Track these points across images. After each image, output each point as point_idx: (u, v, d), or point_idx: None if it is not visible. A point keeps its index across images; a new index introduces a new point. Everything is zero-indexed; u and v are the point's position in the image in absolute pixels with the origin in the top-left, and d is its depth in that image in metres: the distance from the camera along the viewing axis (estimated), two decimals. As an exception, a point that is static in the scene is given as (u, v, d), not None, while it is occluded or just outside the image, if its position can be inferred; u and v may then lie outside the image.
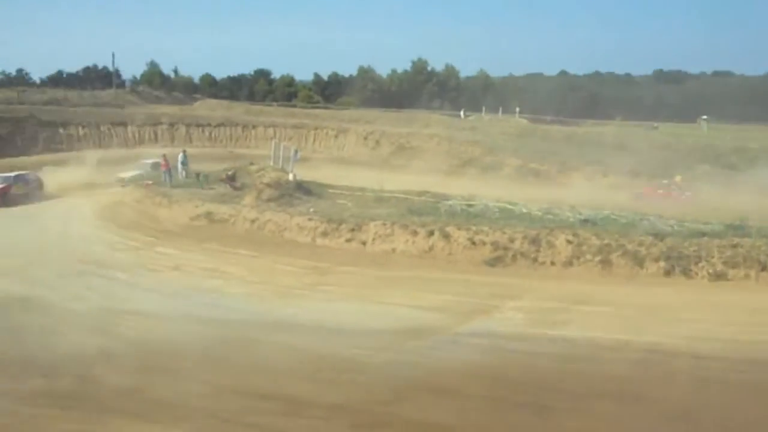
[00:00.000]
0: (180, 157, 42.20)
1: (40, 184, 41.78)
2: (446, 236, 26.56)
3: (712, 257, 23.62)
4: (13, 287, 23.71)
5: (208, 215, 32.31)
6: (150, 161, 46.14)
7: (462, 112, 79.45)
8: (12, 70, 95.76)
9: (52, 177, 43.75)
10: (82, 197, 39.77)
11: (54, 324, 20.32)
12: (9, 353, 18.10)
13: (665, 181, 46.30)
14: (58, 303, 22.08)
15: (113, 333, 19.49)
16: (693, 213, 31.88)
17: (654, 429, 13.72)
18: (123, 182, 42.03)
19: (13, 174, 40.56)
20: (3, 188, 38.61)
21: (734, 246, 23.98)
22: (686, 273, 23.51)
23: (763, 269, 23.14)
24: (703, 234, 25.77)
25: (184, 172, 41.46)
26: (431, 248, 26.53)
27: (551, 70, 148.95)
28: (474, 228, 26.66)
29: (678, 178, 46.58)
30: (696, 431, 13.66)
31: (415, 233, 27.09)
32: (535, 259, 25.10)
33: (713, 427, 13.69)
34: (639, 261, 24.08)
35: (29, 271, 25.60)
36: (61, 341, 18.99)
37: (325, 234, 28.53)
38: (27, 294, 22.92)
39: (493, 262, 25.29)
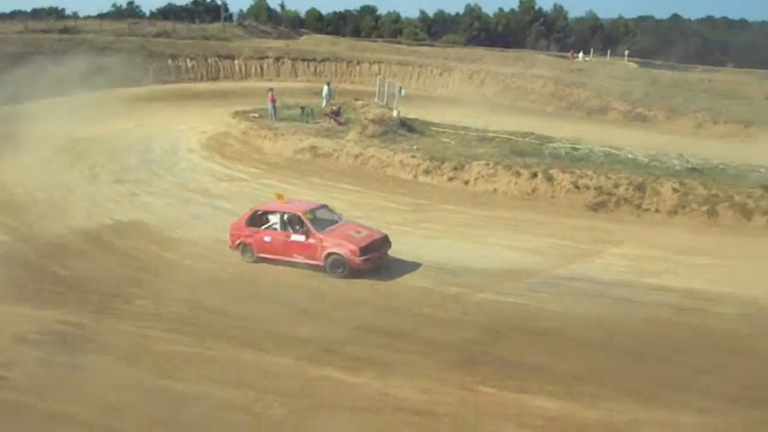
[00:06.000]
0: (325, 90, 41.53)
1: None
2: (549, 179, 26.37)
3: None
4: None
5: (312, 149, 32.68)
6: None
7: (581, 55, 76.80)
8: (123, 3, 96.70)
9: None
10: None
11: (160, 250, 21.29)
12: (117, 275, 19.09)
13: None
14: (165, 230, 23.10)
15: (220, 261, 20.30)
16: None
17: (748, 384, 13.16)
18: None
19: None
20: None
21: None
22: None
23: None
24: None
25: (325, 104, 40.65)
26: (534, 190, 26.42)
27: (663, 13, 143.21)
28: (578, 171, 26.36)
29: None
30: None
31: (518, 174, 26.97)
32: (639, 206, 24.71)
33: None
34: (747, 213, 23.35)
35: (140, 198, 26.70)
36: (166, 266, 19.92)
37: (427, 172, 28.66)
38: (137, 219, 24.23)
39: (596, 207, 25.08)
